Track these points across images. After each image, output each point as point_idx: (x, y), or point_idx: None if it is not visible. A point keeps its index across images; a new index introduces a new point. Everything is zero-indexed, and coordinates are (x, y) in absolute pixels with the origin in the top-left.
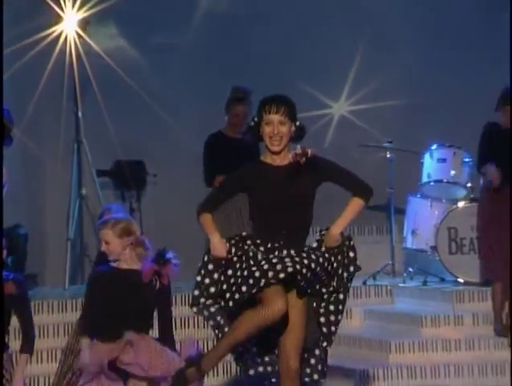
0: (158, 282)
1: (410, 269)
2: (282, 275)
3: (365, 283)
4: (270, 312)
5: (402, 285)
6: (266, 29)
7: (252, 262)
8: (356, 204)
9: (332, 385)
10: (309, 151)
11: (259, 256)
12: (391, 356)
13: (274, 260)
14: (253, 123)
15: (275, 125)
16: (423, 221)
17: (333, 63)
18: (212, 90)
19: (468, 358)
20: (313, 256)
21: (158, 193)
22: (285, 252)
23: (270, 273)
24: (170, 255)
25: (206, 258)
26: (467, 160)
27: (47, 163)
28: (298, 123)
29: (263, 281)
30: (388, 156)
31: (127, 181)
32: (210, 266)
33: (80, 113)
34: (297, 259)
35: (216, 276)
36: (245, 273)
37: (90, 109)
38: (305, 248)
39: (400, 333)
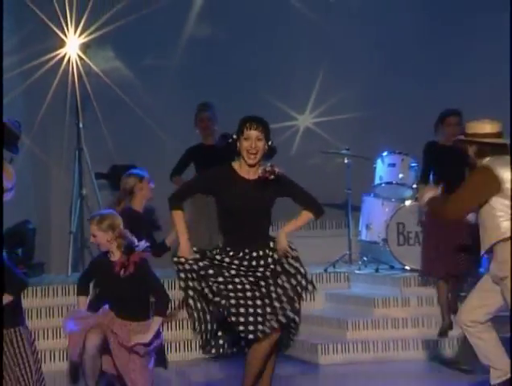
0: (125, 272)
1: (365, 258)
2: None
3: (326, 270)
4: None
5: (357, 271)
6: (242, 51)
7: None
8: (306, 217)
9: (299, 357)
10: (277, 170)
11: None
12: (348, 333)
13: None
14: (231, 140)
15: (253, 140)
16: (375, 217)
17: (300, 82)
18: (195, 104)
19: (413, 334)
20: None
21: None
22: (246, 263)
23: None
24: (137, 244)
25: (176, 268)
26: (413, 165)
27: (52, 167)
28: (270, 143)
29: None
30: (346, 161)
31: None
32: (182, 275)
33: (81, 125)
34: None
35: (190, 283)
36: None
37: (89, 121)
38: (262, 263)
39: (356, 313)
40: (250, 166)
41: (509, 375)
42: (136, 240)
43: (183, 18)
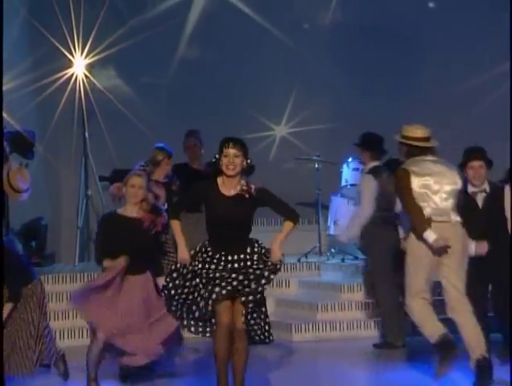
0: (153, 228)
1: (332, 250)
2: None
3: (299, 260)
4: (221, 327)
5: (326, 261)
6: (226, 71)
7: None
8: (289, 227)
9: (276, 336)
10: (252, 188)
11: (211, 274)
12: (318, 314)
13: (219, 281)
14: (214, 159)
15: (231, 156)
16: (342, 214)
17: (277, 98)
18: (187, 116)
19: (374, 315)
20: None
21: None
22: (229, 265)
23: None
24: (163, 208)
25: (173, 266)
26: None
27: (62, 171)
28: (249, 161)
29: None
30: (316, 166)
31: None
32: (175, 274)
33: (86, 134)
34: (235, 277)
35: (177, 282)
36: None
37: (94, 131)
38: (242, 264)
39: (325, 297)
40: (230, 177)
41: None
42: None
43: (175, 42)
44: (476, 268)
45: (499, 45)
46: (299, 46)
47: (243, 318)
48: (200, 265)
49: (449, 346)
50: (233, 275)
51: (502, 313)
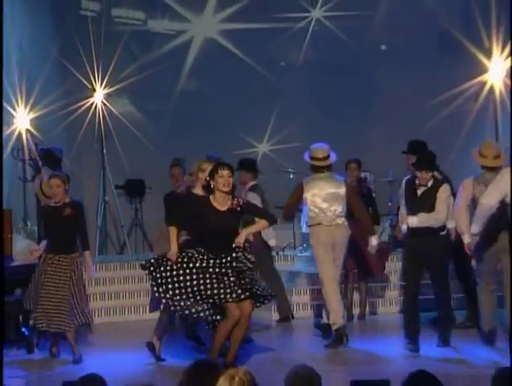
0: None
1: (305, 245)
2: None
3: (277, 253)
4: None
5: (299, 254)
6: (218, 100)
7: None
8: (262, 224)
9: (259, 314)
10: (241, 202)
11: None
12: (293, 298)
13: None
14: (205, 182)
15: (226, 177)
16: None
17: (259, 121)
18: (186, 137)
19: None
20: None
21: (153, 199)
22: (218, 261)
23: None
24: None
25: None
26: None
27: (84, 181)
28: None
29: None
30: (291, 177)
31: (133, 191)
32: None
33: (104, 151)
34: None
35: (164, 274)
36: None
37: (111, 148)
38: (229, 258)
39: (299, 284)
40: (224, 193)
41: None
42: None
43: (176, 76)
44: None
45: (437, 79)
46: (277, 79)
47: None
48: (197, 264)
49: (326, 328)
50: (232, 278)
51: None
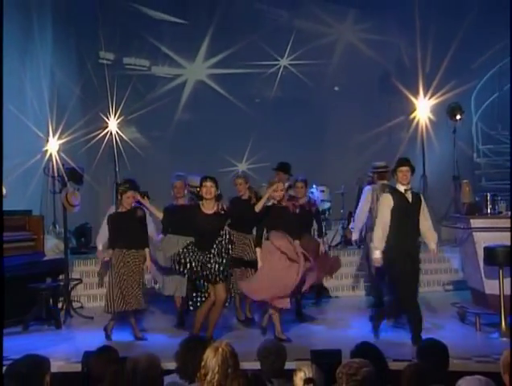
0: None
1: None
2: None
3: None
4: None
5: None
6: (208, 127)
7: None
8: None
9: None
10: (224, 207)
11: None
12: None
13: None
14: (197, 191)
15: (208, 187)
16: None
17: (239, 145)
18: (182, 158)
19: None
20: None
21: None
22: (208, 255)
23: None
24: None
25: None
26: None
27: (101, 193)
28: (219, 191)
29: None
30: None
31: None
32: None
33: (117, 169)
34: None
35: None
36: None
37: (122, 167)
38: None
39: None
40: (208, 200)
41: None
42: None
43: (174, 109)
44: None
45: (377, 114)
46: (253, 113)
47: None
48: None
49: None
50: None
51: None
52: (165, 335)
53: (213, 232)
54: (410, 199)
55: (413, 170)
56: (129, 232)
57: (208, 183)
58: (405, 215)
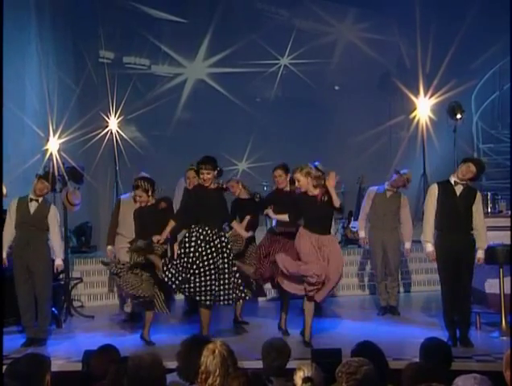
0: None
1: None
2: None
3: None
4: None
5: None
6: (207, 126)
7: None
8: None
9: None
10: (225, 186)
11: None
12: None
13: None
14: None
15: (205, 174)
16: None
17: (239, 144)
18: (182, 156)
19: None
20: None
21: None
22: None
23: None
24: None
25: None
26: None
27: (101, 192)
28: (218, 169)
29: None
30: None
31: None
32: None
33: (117, 168)
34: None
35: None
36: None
37: (122, 166)
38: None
39: None
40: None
41: None
42: None
43: (174, 108)
44: None
45: (378, 113)
46: (253, 112)
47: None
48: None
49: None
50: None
51: None
52: (167, 334)
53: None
54: (458, 192)
55: (479, 170)
56: (154, 225)
57: (203, 171)
58: (449, 208)
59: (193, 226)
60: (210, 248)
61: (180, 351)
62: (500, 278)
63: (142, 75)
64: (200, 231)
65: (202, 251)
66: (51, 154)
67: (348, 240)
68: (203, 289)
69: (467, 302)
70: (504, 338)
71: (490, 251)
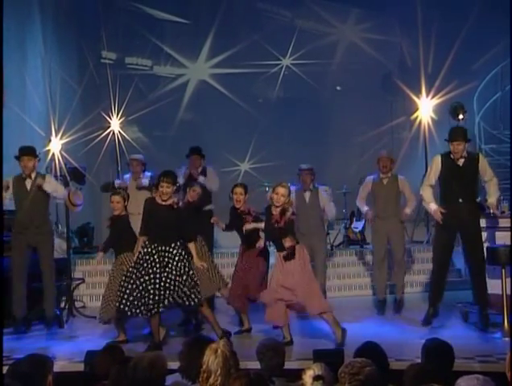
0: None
1: None
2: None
3: None
4: None
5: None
6: (209, 127)
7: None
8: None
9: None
10: (180, 203)
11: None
12: None
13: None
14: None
15: (164, 187)
16: None
17: (241, 145)
18: (182, 157)
19: None
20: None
21: None
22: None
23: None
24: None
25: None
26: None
27: (103, 193)
28: (177, 185)
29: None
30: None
31: None
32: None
33: (119, 168)
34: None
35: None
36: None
37: (124, 166)
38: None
39: None
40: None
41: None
42: None
43: (176, 109)
44: None
45: (380, 113)
46: (256, 112)
47: None
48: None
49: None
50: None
51: None
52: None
53: (170, 225)
54: (461, 164)
55: (465, 137)
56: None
57: (165, 185)
58: (452, 176)
59: (146, 242)
60: (152, 263)
61: (182, 350)
62: (502, 279)
63: (145, 76)
64: (147, 248)
65: (146, 267)
66: (53, 155)
67: (350, 241)
68: (141, 302)
69: (483, 279)
70: (506, 338)
71: (492, 251)
